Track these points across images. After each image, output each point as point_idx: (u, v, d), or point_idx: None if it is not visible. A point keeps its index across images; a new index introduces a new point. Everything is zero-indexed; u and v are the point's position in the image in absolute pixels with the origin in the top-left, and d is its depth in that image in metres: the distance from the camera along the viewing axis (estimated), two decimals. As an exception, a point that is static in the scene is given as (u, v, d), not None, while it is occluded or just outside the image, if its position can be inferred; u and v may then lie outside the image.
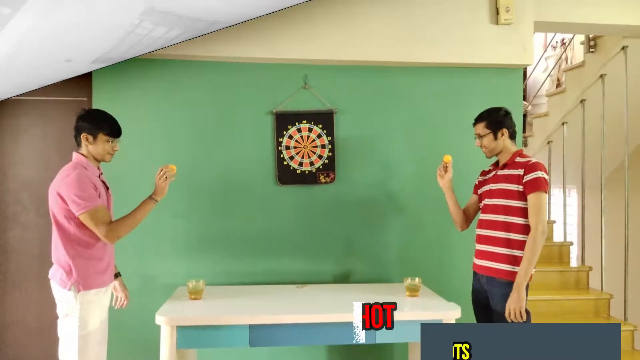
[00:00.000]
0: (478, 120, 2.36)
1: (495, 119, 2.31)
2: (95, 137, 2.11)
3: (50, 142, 2.92)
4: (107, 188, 2.23)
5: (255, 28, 2.77)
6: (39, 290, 2.90)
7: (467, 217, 2.52)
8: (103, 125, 2.12)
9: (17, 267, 2.88)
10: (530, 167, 2.20)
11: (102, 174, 2.22)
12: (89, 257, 2.08)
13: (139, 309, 2.64)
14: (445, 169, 2.46)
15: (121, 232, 2.09)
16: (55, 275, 2.08)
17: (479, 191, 2.44)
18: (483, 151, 2.36)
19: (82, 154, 2.13)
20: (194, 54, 2.76)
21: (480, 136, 2.34)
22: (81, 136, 2.12)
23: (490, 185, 2.34)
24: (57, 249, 2.09)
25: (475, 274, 2.39)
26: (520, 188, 2.20)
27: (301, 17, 2.80)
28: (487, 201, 2.33)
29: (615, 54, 3.77)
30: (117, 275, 2.35)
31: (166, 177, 2.18)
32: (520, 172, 2.21)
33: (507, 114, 2.33)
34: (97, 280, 2.10)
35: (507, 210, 2.23)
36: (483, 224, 2.34)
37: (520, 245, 2.19)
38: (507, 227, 2.23)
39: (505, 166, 2.30)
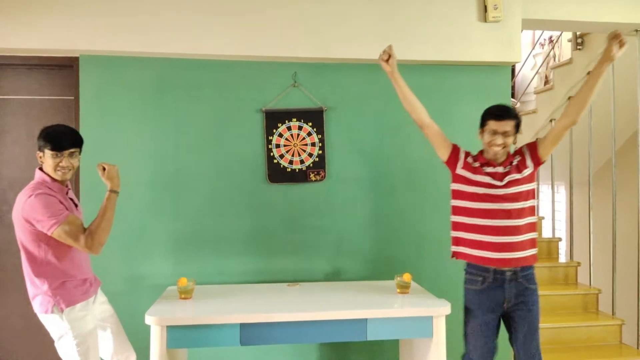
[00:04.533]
0: (508, 116, 2.19)
1: (519, 122, 2.25)
2: (43, 154, 2.03)
3: (36, 141, 2.86)
4: (75, 205, 2.15)
5: (244, 25, 2.76)
6: (25, 290, 2.84)
7: (418, 114, 2.34)
8: (47, 140, 2.02)
9: (2, 268, 2.84)
10: (519, 148, 2.33)
11: (69, 190, 2.13)
12: (62, 273, 2.02)
13: (128, 309, 2.62)
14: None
15: (102, 238, 2.02)
16: (36, 306, 2.04)
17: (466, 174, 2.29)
18: (495, 149, 2.21)
19: (45, 172, 2.05)
20: (182, 51, 2.74)
21: (507, 134, 2.20)
22: (36, 154, 2.06)
23: (503, 189, 2.21)
24: (30, 280, 2.03)
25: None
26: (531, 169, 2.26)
27: (290, 14, 2.79)
28: (501, 205, 2.19)
29: (602, 51, 3.79)
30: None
31: (104, 169, 2.10)
32: (518, 158, 2.28)
33: None
34: (78, 294, 2.06)
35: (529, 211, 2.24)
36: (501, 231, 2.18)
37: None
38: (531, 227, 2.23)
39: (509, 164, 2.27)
